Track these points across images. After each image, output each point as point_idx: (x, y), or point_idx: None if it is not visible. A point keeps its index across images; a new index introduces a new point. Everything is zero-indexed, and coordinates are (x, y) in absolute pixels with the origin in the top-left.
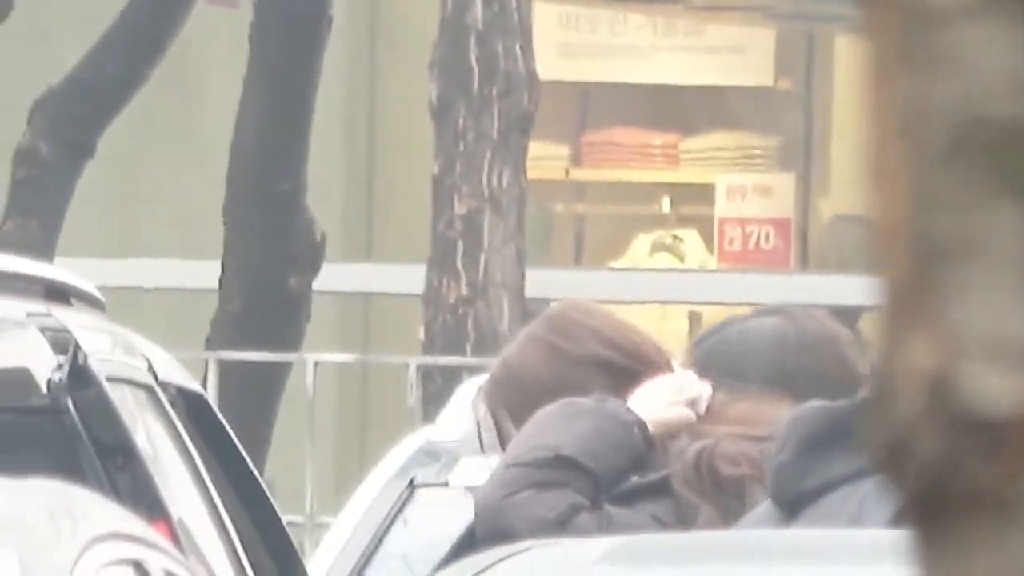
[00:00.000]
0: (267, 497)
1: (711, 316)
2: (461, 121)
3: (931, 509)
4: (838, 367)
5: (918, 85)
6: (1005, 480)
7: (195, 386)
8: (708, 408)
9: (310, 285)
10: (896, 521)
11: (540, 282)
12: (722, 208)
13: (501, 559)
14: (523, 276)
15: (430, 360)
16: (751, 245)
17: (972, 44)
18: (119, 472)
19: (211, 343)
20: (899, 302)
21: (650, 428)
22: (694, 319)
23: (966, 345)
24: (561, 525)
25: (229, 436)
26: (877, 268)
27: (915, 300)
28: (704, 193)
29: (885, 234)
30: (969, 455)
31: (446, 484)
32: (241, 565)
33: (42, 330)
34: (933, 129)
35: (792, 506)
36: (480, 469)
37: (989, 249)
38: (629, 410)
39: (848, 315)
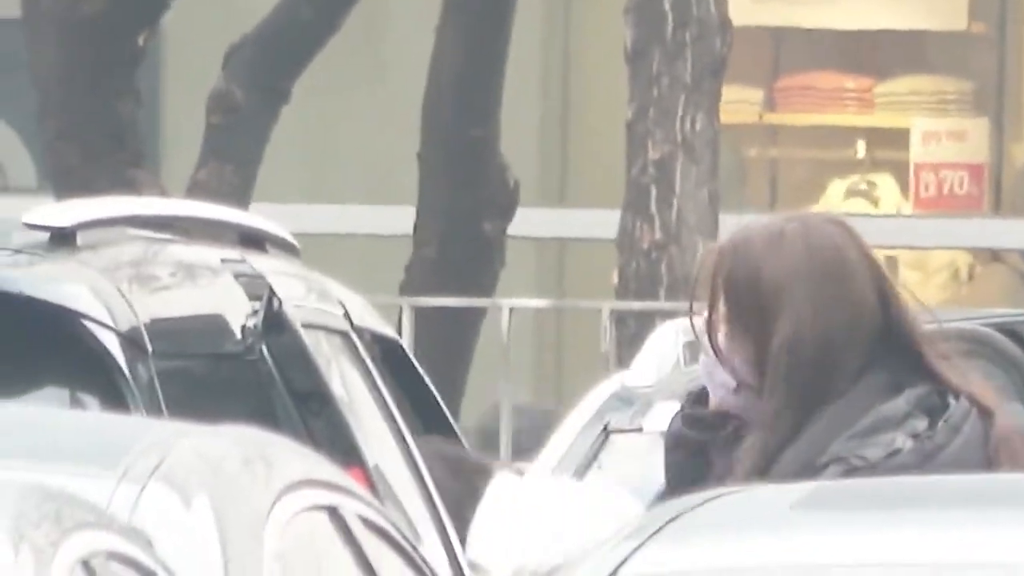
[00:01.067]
0: (462, 443)
1: (906, 261)
2: (655, 66)
3: None
4: None
5: None
6: None
7: (390, 331)
8: None
9: (504, 230)
10: None
11: (734, 226)
12: (917, 153)
13: (698, 504)
14: (717, 220)
15: (624, 305)
16: (945, 191)
17: None
18: (314, 418)
19: (406, 288)
20: None
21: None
22: (889, 265)
23: None
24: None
25: (424, 381)
26: None
27: None
28: (899, 138)
29: None
30: None
31: (640, 430)
32: (436, 511)
33: (237, 276)
34: None
35: None
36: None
37: None
38: None
39: None
